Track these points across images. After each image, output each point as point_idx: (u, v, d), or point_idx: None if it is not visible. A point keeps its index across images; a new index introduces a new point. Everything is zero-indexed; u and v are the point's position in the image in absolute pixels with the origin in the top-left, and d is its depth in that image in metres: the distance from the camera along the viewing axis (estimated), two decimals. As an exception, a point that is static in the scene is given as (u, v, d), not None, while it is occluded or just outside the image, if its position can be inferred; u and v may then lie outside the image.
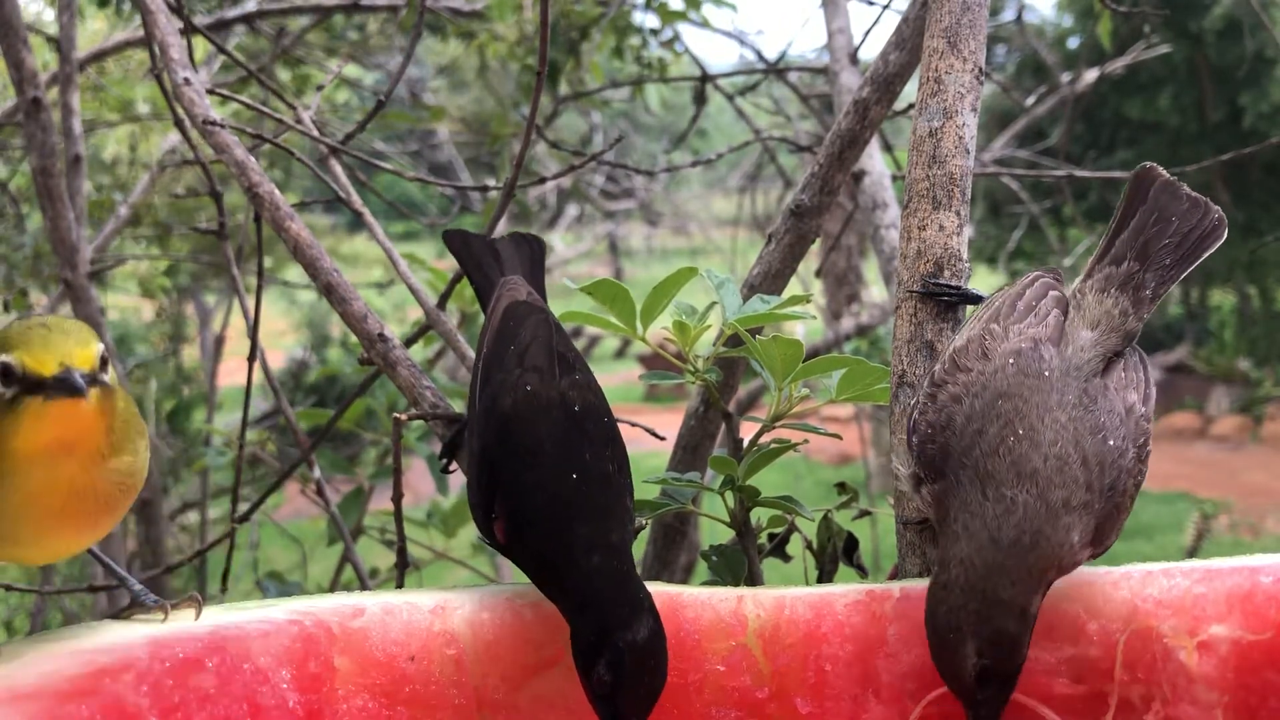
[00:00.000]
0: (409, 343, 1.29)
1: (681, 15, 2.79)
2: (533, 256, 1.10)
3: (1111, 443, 0.82)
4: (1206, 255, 0.94)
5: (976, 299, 0.97)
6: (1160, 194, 0.95)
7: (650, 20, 2.94)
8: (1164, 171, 0.97)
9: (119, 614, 0.82)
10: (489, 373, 0.94)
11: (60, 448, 0.72)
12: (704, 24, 2.84)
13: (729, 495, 1.06)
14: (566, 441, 0.88)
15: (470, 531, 2.23)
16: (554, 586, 0.84)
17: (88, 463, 0.74)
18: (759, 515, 1.09)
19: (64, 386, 0.69)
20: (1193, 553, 5.41)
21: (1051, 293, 0.91)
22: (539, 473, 0.86)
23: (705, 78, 2.68)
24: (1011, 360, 0.85)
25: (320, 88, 1.56)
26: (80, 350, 0.70)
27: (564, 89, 2.90)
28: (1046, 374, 0.84)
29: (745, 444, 1.08)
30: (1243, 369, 10.26)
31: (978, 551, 0.77)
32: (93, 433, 0.73)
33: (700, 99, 2.73)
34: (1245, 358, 10.43)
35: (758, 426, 1.08)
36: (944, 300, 0.98)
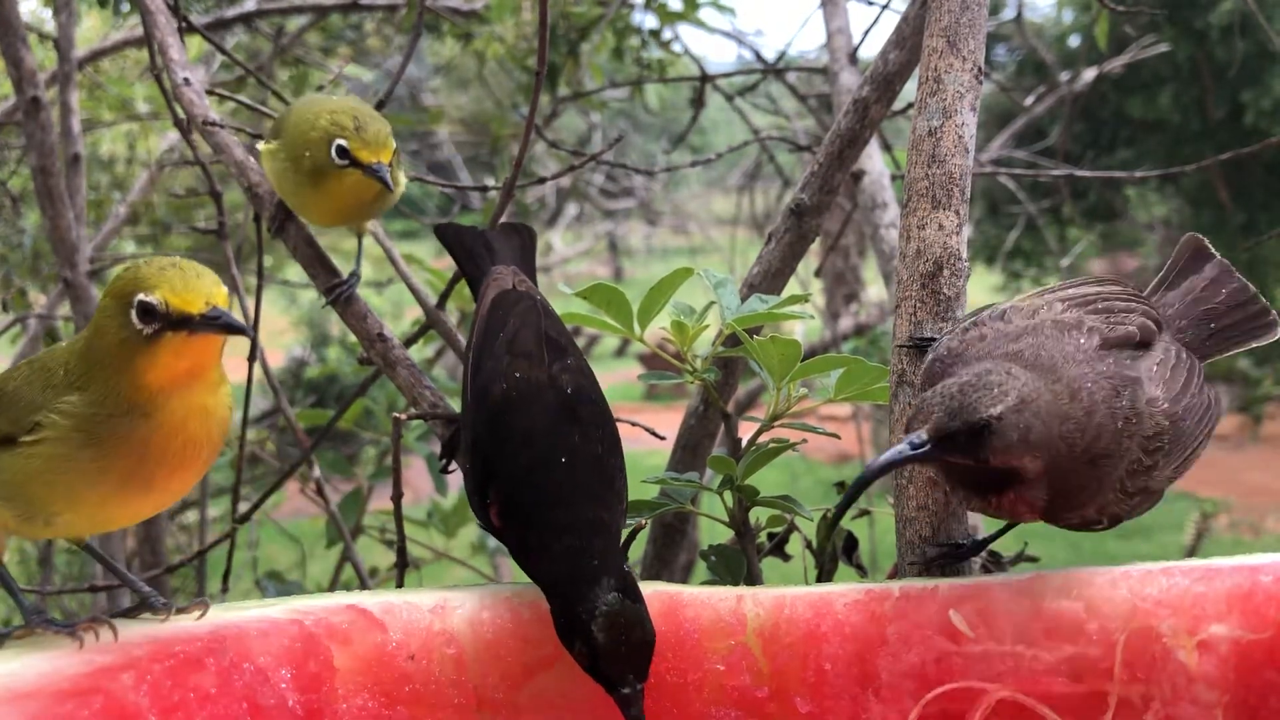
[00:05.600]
0: (409, 342, 1.29)
1: (680, 16, 2.79)
2: (523, 245, 1.11)
3: (1118, 424, 0.83)
4: (1249, 346, 0.98)
5: None
6: (1216, 269, 1.00)
7: (649, 21, 2.94)
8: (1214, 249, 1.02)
9: (125, 614, 0.82)
10: (479, 362, 0.95)
11: (193, 377, 0.79)
12: (701, 25, 2.84)
13: (728, 495, 1.06)
14: (557, 425, 0.89)
15: (470, 531, 2.23)
16: (527, 570, 0.86)
17: (211, 389, 0.81)
18: (758, 515, 1.09)
19: (216, 324, 0.76)
20: (1192, 552, 5.41)
21: (1143, 319, 0.91)
22: (529, 458, 0.88)
23: (705, 78, 2.68)
24: (1050, 322, 0.87)
25: (321, 88, 1.56)
26: (218, 290, 0.77)
27: (563, 90, 2.90)
28: (1080, 342, 0.86)
29: (744, 443, 1.08)
30: (1242, 368, 10.25)
31: (1027, 383, 0.81)
32: (216, 361, 0.81)
33: (699, 101, 2.73)
34: (1245, 357, 10.43)
35: (756, 426, 1.08)
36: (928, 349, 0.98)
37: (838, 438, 1.17)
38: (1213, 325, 0.97)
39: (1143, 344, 0.89)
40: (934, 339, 0.98)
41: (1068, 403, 0.82)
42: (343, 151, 1.08)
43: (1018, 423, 0.80)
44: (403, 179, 1.20)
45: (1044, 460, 0.81)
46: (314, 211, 1.16)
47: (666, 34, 2.93)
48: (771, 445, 1.05)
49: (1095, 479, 0.83)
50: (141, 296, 0.75)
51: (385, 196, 1.14)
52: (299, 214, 1.19)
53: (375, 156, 1.08)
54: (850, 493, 0.87)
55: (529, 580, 0.86)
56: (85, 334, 0.79)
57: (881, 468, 0.83)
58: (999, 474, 0.82)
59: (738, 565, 1.06)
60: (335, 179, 1.10)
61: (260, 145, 1.18)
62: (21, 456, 0.78)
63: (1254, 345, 0.98)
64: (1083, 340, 0.86)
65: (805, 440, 1.08)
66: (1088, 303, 0.91)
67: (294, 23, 3.19)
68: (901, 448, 0.81)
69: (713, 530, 1.56)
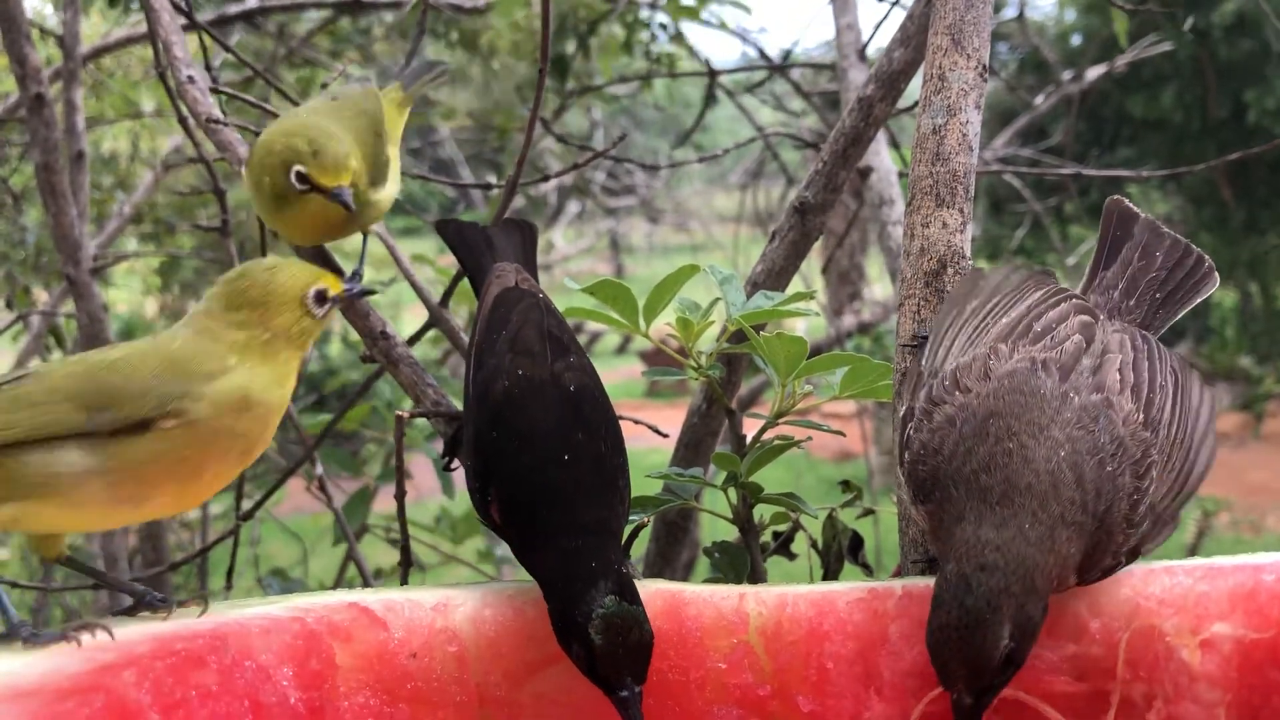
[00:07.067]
0: (412, 340, 1.29)
1: (692, 12, 2.79)
2: (524, 241, 1.11)
3: (1109, 468, 0.81)
4: (1196, 302, 0.97)
5: None
6: (1144, 230, 0.99)
7: (659, 16, 2.94)
8: (1135, 207, 1.00)
9: (125, 613, 0.82)
10: (481, 359, 0.95)
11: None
12: (721, 27, 2.83)
13: (732, 492, 1.06)
14: (560, 424, 0.89)
15: (477, 538, 2.22)
16: (527, 568, 0.86)
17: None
18: (762, 512, 1.08)
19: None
20: (1194, 550, 5.41)
21: (1079, 318, 0.90)
22: (530, 457, 0.88)
23: (712, 74, 2.68)
24: (1005, 379, 0.84)
25: (324, 85, 1.56)
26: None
27: (571, 84, 2.91)
28: (1042, 392, 0.83)
29: (749, 440, 1.08)
30: (1244, 366, 10.24)
31: (1011, 541, 0.77)
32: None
33: (710, 97, 2.73)
34: (1247, 355, 10.41)
35: (760, 423, 1.08)
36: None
37: (842, 435, 1.16)
38: (1158, 295, 0.96)
39: (1090, 339, 0.88)
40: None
41: (1057, 521, 0.79)
42: (301, 177, 1.05)
43: (1033, 613, 0.77)
44: (394, 186, 1.18)
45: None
46: (291, 234, 1.15)
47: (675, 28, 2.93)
48: (776, 442, 1.05)
49: (1106, 533, 0.81)
50: (316, 288, 0.89)
51: (364, 211, 1.12)
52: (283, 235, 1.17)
53: (335, 180, 1.05)
54: None
55: (530, 579, 0.87)
56: (241, 334, 0.86)
57: None
58: None
59: (741, 562, 1.06)
60: (299, 204, 1.07)
61: (243, 169, 1.18)
62: (149, 440, 0.81)
63: (1200, 300, 0.98)
64: (1044, 384, 0.84)
65: (810, 438, 1.07)
66: (1026, 331, 0.89)
67: (302, 25, 3.19)
68: None
69: (714, 529, 1.56)
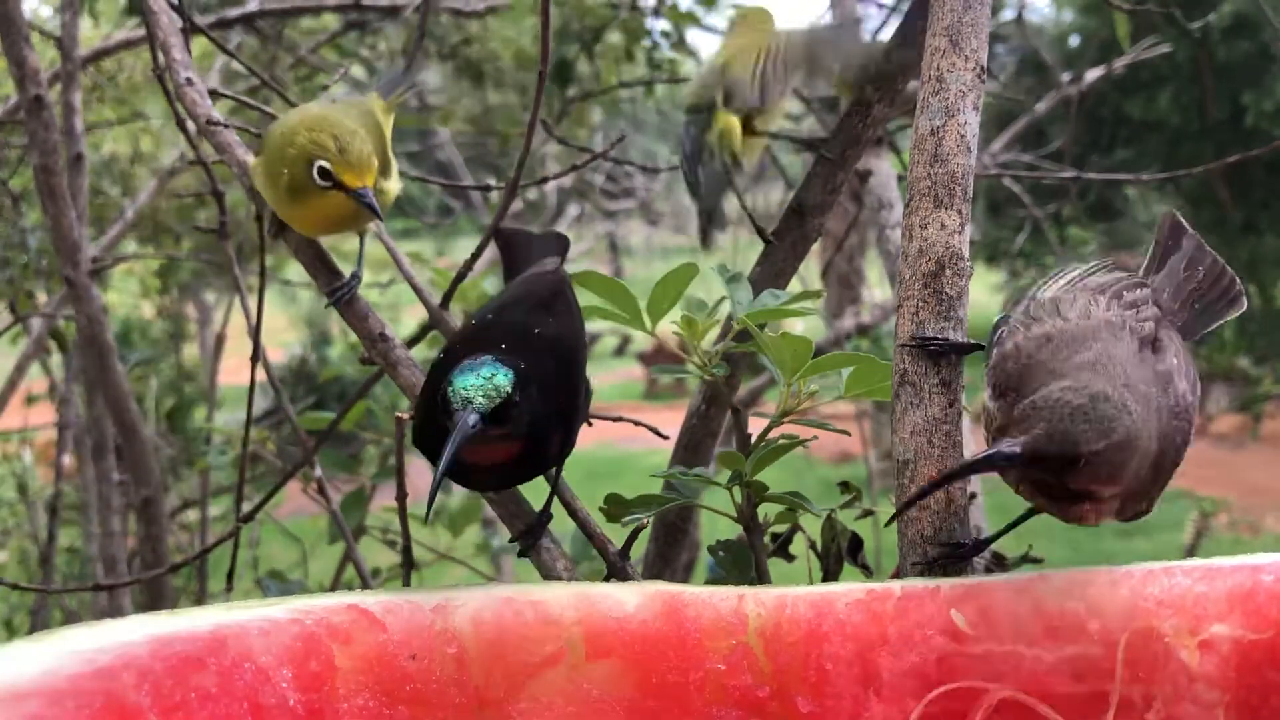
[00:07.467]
0: (411, 343, 1.29)
1: (692, 18, 2.79)
2: (560, 248, 1.18)
3: (1175, 422, 0.85)
4: (1225, 320, 1.01)
5: (966, 348, 0.98)
6: (1191, 245, 1.03)
7: (661, 24, 2.94)
8: (1186, 223, 1.05)
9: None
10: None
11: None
12: (713, 30, 2.84)
13: (736, 491, 1.06)
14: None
15: (473, 532, 2.22)
16: None
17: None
18: (765, 512, 1.08)
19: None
20: (1192, 551, 5.41)
21: (1153, 306, 0.94)
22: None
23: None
24: (1103, 322, 0.88)
25: (325, 88, 1.56)
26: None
27: (574, 90, 2.91)
28: (1129, 344, 0.87)
29: (753, 439, 1.08)
30: (1242, 367, 10.24)
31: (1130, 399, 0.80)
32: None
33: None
34: (1244, 356, 10.42)
35: (762, 422, 1.08)
36: (930, 350, 0.98)
37: (847, 434, 1.16)
38: (1197, 306, 1.00)
39: (1159, 325, 0.92)
40: (938, 339, 0.97)
41: (1154, 425, 0.82)
42: (325, 173, 1.06)
43: (1111, 459, 0.79)
44: (395, 186, 1.19)
45: (1122, 489, 0.82)
46: (300, 226, 1.16)
47: (677, 34, 2.93)
48: (782, 441, 1.05)
49: (1155, 482, 0.84)
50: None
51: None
52: (289, 225, 1.18)
53: (360, 180, 1.06)
54: (927, 488, 0.88)
55: (529, 580, 0.87)
56: None
57: (966, 469, 0.83)
58: (1077, 491, 0.83)
59: (745, 561, 1.06)
60: (318, 197, 1.08)
61: (250, 159, 1.18)
62: None
63: (1227, 319, 1.01)
64: (1130, 342, 0.88)
65: (816, 438, 1.07)
66: (1119, 295, 0.93)
67: (305, 34, 3.19)
68: (992, 454, 0.80)
69: (714, 530, 1.55)
